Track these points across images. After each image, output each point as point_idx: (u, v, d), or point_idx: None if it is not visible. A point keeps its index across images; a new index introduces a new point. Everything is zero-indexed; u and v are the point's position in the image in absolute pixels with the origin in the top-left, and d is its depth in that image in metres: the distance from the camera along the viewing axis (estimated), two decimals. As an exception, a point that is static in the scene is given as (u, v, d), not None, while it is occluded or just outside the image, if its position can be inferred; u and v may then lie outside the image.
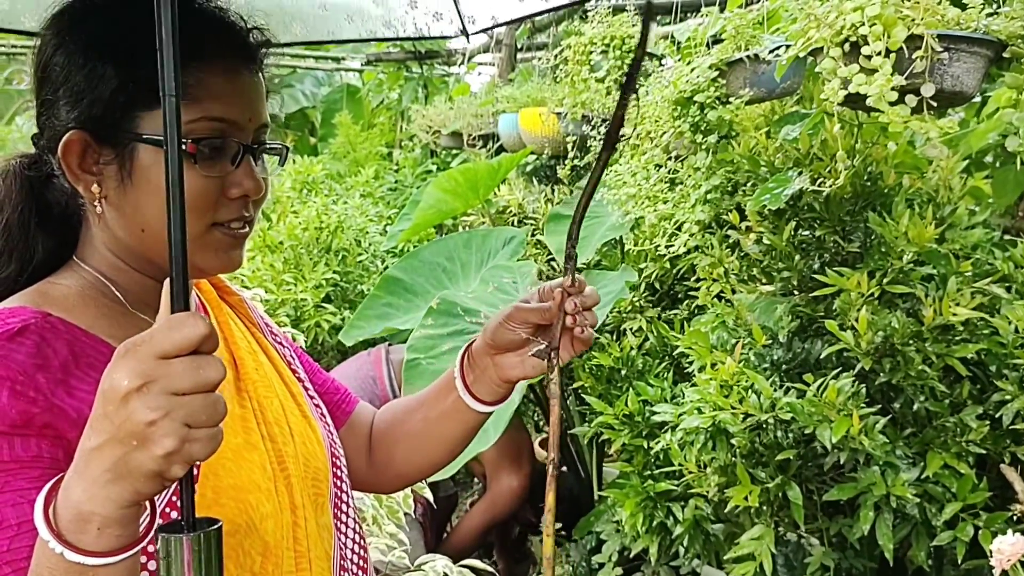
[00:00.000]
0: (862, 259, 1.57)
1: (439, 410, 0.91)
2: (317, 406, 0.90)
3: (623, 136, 2.14)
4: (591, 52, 2.78)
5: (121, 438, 0.50)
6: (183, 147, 0.63)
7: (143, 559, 0.64)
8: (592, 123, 2.69)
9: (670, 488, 1.65)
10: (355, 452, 0.95)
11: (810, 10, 1.33)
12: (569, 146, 2.80)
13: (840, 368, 1.48)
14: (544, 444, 2.90)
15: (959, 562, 1.33)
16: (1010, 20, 1.29)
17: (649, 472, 1.72)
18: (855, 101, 1.32)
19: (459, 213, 3.20)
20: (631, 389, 1.82)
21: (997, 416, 1.39)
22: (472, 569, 1.82)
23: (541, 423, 3.00)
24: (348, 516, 0.88)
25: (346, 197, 3.95)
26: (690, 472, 1.53)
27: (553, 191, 3.04)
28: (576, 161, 2.79)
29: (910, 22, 1.22)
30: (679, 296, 2.19)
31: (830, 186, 1.48)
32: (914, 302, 1.47)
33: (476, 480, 3.09)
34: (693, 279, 1.95)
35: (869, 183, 1.58)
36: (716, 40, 1.89)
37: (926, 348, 1.40)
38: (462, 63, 5.43)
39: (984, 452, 1.39)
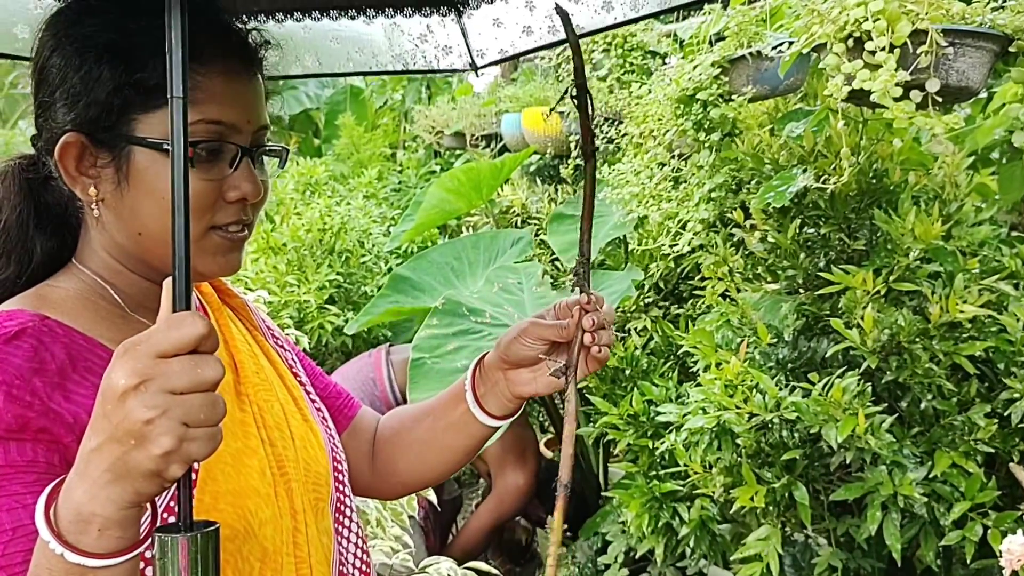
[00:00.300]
0: (868, 257, 1.55)
1: (447, 420, 0.90)
2: (319, 410, 0.90)
3: (626, 135, 2.14)
4: (592, 51, 2.77)
5: (119, 437, 0.50)
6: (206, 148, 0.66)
7: (140, 564, 0.63)
8: (594, 122, 2.68)
9: (676, 488, 1.64)
10: (357, 457, 0.95)
11: (813, 6, 1.32)
12: (572, 145, 2.80)
13: (846, 367, 1.47)
14: (550, 444, 2.89)
15: (968, 562, 1.32)
16: (1016, 14, 1.28)
17: (654, 472, 1.71)
18: (859, 97, 1.31)
19: (462, 213, 3.20)
20: (636, 389, 1.81)
21: (1005, 414, 1.37)
22: (477, 571, 1.81)
23: (546, 423, 2.99)
24: (350, 520, 0.87)
25: (349, 198, 3.95)
26: (696, 472, 1.52)
27: (556, 191, 3.03)
28: (579, 160, 2.78)
29: (914, 17, 1.20)
30: (684, 295, 2.18)
31: (835, 183, 1.47)
32: (921, 300, 1.46)
33: (481, 479, 3.09)
34: (698, 278, 1.94)
35: (874, 180, 1.57)
36: (719, 37, 1.88)
37: (933, 346, 1.39)
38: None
39: (993, 451, 1.37)
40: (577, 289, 0.79)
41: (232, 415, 0.73)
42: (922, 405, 1.42)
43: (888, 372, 1.41)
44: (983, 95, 1.66)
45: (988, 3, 1.31)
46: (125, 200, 0.68)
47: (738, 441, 1.45)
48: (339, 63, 0.98)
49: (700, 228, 1.83)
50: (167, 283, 0.55)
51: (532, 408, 2.91)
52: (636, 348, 2.03)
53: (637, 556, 1.85)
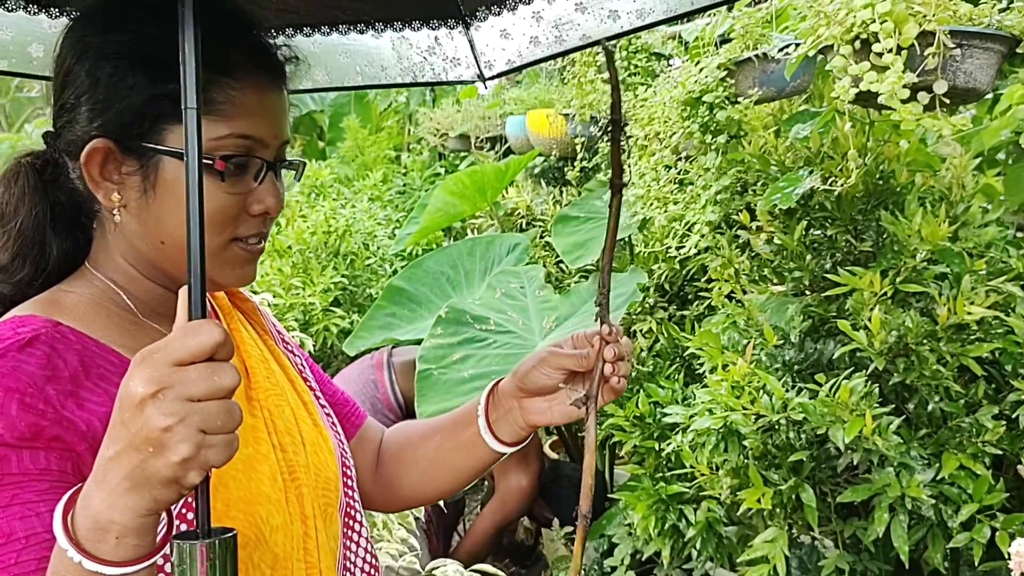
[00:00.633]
0: (874, 258, 1.55)
1: (455, 442, 0.90)
2: (328, 415, 0.90)
3: (631, 136, 2.14)
4: (598, 53, 2.77)
5: (137, 445, 0.50)
6: (212, 163, 0.66)
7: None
8: (600, 124, 2.69)
9: (682, 490, 1.64)
10: (361, 468, 0.95)
11: (820, 7, 1.32)
12: (577, 148, 2.80)
13: (853, 368, 1.47)
14: (555, 447, 2.89)
15: (976, 564, 1.31)
16: (1023, 15, 1.28)
17: (661, 474, 1.71)
18: (866, 99, 1.31)
19: (467, 216, 3.20)
20: (642, 391, 1.81)
21: (1013, 416, 1.37)
22: (483, 573, 1.81)
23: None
24: (360, 524, 0.87)
25: (354, 201, 3.96)
26: (702, 474, 1.52)
27: (561, 193, 3.03)
28: (584, 163, 2.78)
29: (921, 18, 1.20)
30: (689, 297, 2.18)
31: (841, 185, 1.47)
32: (928, 301, 1.46)
33: (484, 481, 3.09)
34: (703, 280, 1.94)
35: (881, 181, 1.57)
36: (724, 40, 1.89)
37: (940, 347, 1.39)
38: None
39: (1000, 453, 1.37)
40: (600, 321, 0.80)
41: (243, 420, 0.74)
42: (929, 407, 1.42)
43: (895, 374, 1.41)
44: (989, 97, 1.65)
45: (995, 4, 1.31)
46: (150, 208, 0.69)
47: (745, 443, 1.45)
48: (348, 77, 0.99)
49: (706, 230, 1.83)
50: (183, 291, 0.55)
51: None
52: (642, 350, 2.03)
53: (643, 558, 1.85)
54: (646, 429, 1.75)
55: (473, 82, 1.02)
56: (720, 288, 1.75)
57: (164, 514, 0.56)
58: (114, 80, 0.67)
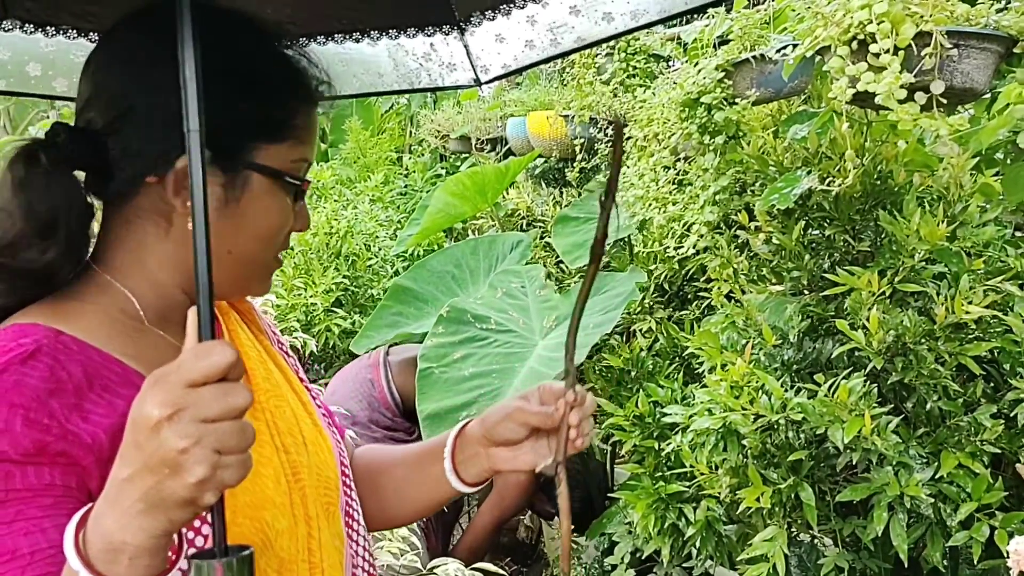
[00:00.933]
0: (873, 258, 1.56)
1: (419, 476, 0.92)
2: (324, 415, 0.90)
3: (631, 138, 2.15)
4: (597, 55, 2.78)
5: (153, 467, 0.50)
6: (298, 184, 0.73)
7: None
8: (599, 126, 2.69)
9: (682, 489, 1.65)
10: None
11: (817, 8, 1.33)
12: (577, 148, 2.80)
13: (851, 368, 1.47)
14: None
15: (975, 562, 1.31)
16: (1020, 15, 1.28)
17: (660, 474, 1.72)
18: (864, 99, 1.31)
19: (468, 217, 3.20)
20: (641, 390, 1.82)
21: (1012, 415, 1.37)
22: (484, 572, 1.82)
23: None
24: (358, 524, 0.88)
25: (356, 202, 3.96)
26: (701, 473, 1.53)
27: (562, 194, 3.04)
28: (584, 163, 2.79)
29: (919, 19, 1.21)
30: (688, 297, 2.18)
31: (839, 185, 1.47)
32: (926, 300, 1.46)
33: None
34: (702, 280, 1.94)
35: (879, 181, 1.57)
36: (722, 41, 1.89)
37: (938, 347, 1.39)
38: (470, 67, 5.43)
39: (999, 451, 1.37)
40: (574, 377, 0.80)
41: None
42: (928, 406, 1.42)
43: (894, 373, 1.41)
44: (987, 97, 1.66)
45: (992, 4, 1.31)
46: (227, 219, 0.70)
47: (744, 442, 1.45)
48: (346, 85, 1.00)
49: (705, 230, 1.84)
50: (192, 311, 0.55)
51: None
52: (641, 350, 2.04)
53: (643, 557, 1.85)
54: (646, 429, 1.76)
55: (470, 86, 1.03)
56: (719, 288, 1.76)
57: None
58: (220, 99, 0.67)
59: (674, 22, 3.02)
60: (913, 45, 1.22)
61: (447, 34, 0.99)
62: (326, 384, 2.65)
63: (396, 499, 0.93)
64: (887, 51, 1.21)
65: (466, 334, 2.21)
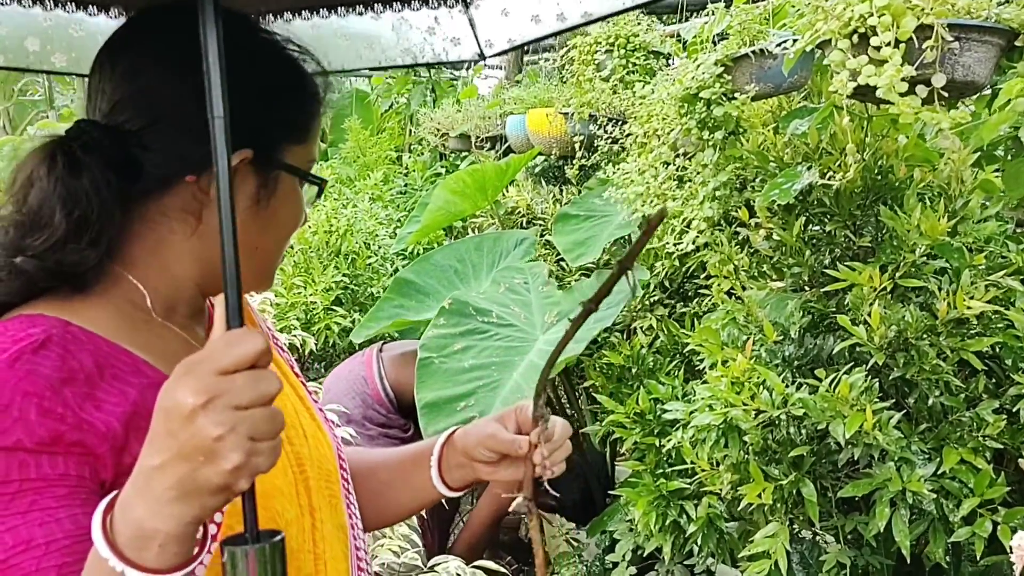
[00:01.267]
0: (874, 253, 1.55)
1: (404, 482, 0.93)
2: (321, 409, 0.91)
3: (630, 134, 2.14)
4: (596, 52, 2.78)
5: (187, 455, 0.50)
6: (321, 182, 0.76)
7: None
8: (599, 123, 2.69)
9: (683, 486, 1.64)
10: None
11: (818, 2, 1.32)
12: (577, 146, 2.80)
13: (853, 363, 1.47)
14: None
15: (977, 558, 1.31)
16: (1021, 8, 1.28)
17: (661, 471, 1.71)
18: (864, 94, 1.31)
19: (467, 215, 3.20)
20: (642, 387, 1.81)
21: (1014, 410, 1.37)
22: (485, 570, 1.81)
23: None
24: (356, 517, 0.88)
25: (355, 201, 3.96)
26: (703, 470, 1.52)
27: (561, 191, 3.04)
28: (584, 161, 2.79)
29: (919, 11, 1.20)
30: (689, 294, 2.18)
31: (840, 180, 1.47)
32: (927, 296, 1.46)
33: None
34: (703, 276, 1.94)
35: (880, 177, 1.56)
36: (722, 37, 1.89)
37: (940, 342, 1.39)
38: (469, 67, 5.44)
39: (1001, 447, 1.37)
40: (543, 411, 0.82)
41: None
42: (930, 401, 1.42)
43: (895, 368, 1.41)
44: (987, 93, 1.65)
45: (993, -2, 1.31)
46: (258, 217, 0.72)
47: (745, 438, 1.45)
48: (348, 60, 0.99)
49: (705, 226, 1.83)
50: (219, 300, 0.56)
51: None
52: (642, 347, 2.03)
53: (645, 554, 1.85)
54: (646, 425, 1.75)
55: (473, 61, 1.02)
56: (719, 284, 1.75)
57: None
58: (261, 104, 0.71)
59: (673, 19, 3.01)
60: (914, 38, 1.22)
61: (452, 7, 0.98)
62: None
63: (379, 503, 0.94)
64: (888, 44, 1.21)
65: (467, 326, 2.22)
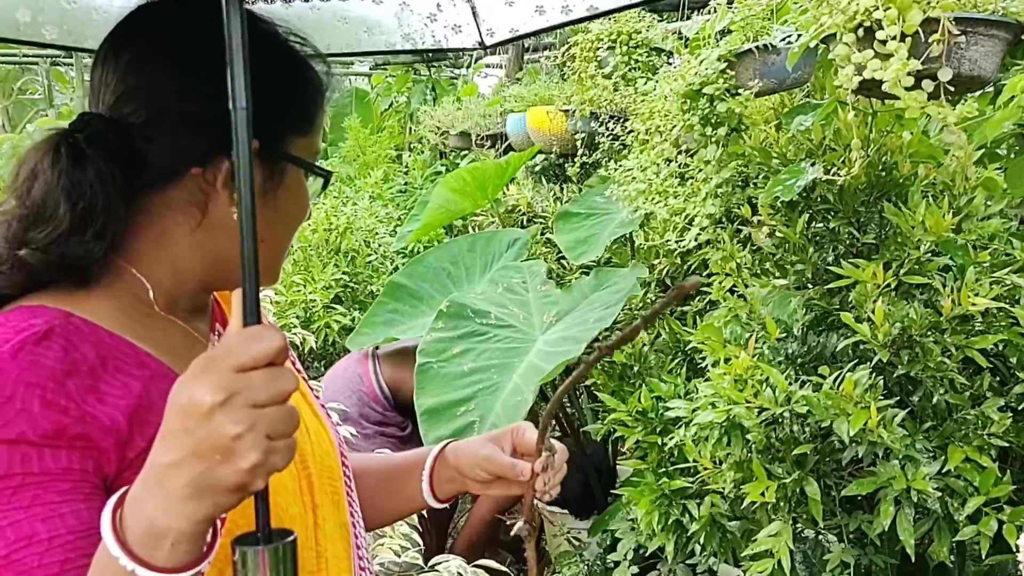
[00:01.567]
0: (877, 250, 1.54)
1: (392, 489, 0.94)
2: (323, 406, 0.90)
3: (632, 131, 2.13)
4: (598, 49, 2.77)
5: (203, 453, 0.50)
6: (328, 174, 0.76)
7: None
8: (600, 120, 2.68)
9: (685, 485, 1.63)
10: None
11: (822, -4, 1.31)
12: (577, 144, 2.79)
13: (857, 361, 1.46)
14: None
15: (983, 557, 1.30)
16: (1027, 2, 1.26)
17: (664, 469, 1.70)
18: (869, 88, 1.30)
19: (468, 213, 3.19)
20: (644, 385, 1.80)
21: (1019, 408, 1.36)
22: (486, 569, 1.80)
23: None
24: (358, 515, 0.87)
25: (355, 199, 3.96)
26: (705, 468, 1.51)
27: (562, 189, 3.03)
28: (585, 159, 2.78)
29: (926, 5, 1.19)
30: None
31: (844, 177, 1.46)
32: (932, 293, 1.45)
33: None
34: (705, 274, 1.92)
35: (884, 173, 1.55)
36: (724, 33, 1.88)
37: (945, 339, 1.37)
38: (469, 65, 5.43)
39: (1007, 445, 1.36)
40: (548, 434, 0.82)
41: None
42: (934, 399, 1.41)
43: (899, 366, 1.40)
44: (990, 90, 1.64)
45: (999, -8, 1.29)
46: (264, 210, 0.70)
47: (748, 436, 1.44)
48: (349, 44, 0.98)
49: (707, 224, 1.82)
50: (236, 295, 0.55)
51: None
52: (644, 345, 2.02)
53: (647, 553, 1.84)
54: (649, 424, 1.74)
55: (473, 49, 1.02)
56: (721, 282, 1.74)
57: None
58: (266, 95, 0.67)
59: (675, 16, 3.00)
60: (920, 32, 1.20)
61: None
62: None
63: (364, 506, 0.94)
64: (894, 37, 1.20)
65: (466, 329, 2.20)
